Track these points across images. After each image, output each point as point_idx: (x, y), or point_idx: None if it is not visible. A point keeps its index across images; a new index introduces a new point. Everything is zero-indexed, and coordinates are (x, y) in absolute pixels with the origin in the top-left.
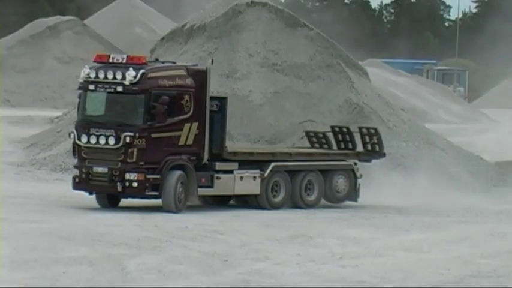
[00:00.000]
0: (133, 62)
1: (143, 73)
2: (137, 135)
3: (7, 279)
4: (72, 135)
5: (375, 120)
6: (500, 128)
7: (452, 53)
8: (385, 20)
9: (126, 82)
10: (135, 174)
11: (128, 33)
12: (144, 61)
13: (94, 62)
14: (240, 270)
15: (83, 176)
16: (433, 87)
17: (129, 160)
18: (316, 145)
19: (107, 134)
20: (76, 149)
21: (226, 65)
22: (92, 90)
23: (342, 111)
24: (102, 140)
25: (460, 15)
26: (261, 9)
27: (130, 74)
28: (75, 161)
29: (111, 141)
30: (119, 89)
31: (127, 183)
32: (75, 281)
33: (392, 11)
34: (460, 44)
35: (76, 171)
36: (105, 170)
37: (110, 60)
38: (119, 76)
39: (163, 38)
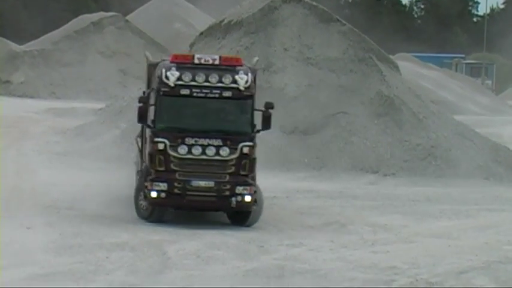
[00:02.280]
0: (229, 64)
1: (252, 77)
2: (253, 144)
3: (53, 264)
4: (161, 146)
5: (405, 112)
6: None
7: (480, 47)
8: (416, 16)
9: (241, 87)
10: (248, 187)
11: (167, 29)
12: (241, 63)
13: (172, 62)
14: (275, 256)
15: (176, 190)
16: (461, 80)
17: (242, 172)
18: None
19: (215, 144)
20: (161, 160)
21: (262, 59)
22: (185, 96)
23: (373, 103)
24: (210, 151)
25: (488, 11)
26: (295, 5)
27: (243, 78)
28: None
29: (224, 152)
30: (227, 94)
31: (239, 198)
32: (117, 265)
33: (422, 6)
34: (487, 38)
35: (160, 185)
36: (211, 183)
37: (196, 61)
38: (227, 80)
39: (201, 33)
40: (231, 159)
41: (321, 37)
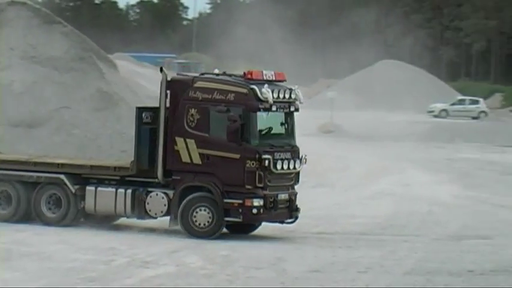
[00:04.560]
0: (281, 79)
1: None
2: None
3: None
4: (267, 162)
5: (123, 107)
6: None
7: (190, 47)
8: (132, 19)
9: (302, 101)
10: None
11: None
12: (285, 78)
13: (248, 79)
14: (2, 240)
15: (270, 205)
16: None
17: (297, 184)
18: None
19: (291, 157)
20: (261, 176)
21: None
22: (274, 111)
23: (93, 99)
24: (291, 165)
25: (197, 15)
26: (20, 8)
27: (301, 93)
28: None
29: (298, 164)
30: (292, 108)
31: (297, 207)
32: None
33: (137, 10)
34: (197, 39)
35: (256, 201)
36: (287, 196)
37: (265, 78)
38: (294, 95)
39: None
40: (293, 172)
41: (44, 37)
